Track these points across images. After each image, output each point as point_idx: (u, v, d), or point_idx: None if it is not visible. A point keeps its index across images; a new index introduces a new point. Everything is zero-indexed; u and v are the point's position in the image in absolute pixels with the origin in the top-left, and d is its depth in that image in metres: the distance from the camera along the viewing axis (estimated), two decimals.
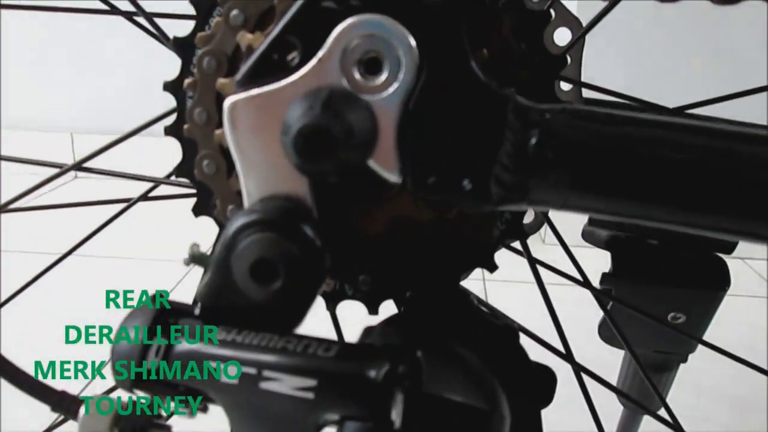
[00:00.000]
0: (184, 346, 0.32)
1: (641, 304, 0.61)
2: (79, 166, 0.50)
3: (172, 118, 0.42)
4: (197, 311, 0.33)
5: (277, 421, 0.31)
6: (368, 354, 0.30)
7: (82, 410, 0.37)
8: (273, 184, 0.33)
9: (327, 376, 0.29)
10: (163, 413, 0.37)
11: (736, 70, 1.50)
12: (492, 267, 0.43)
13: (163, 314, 0.33)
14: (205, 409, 0.36)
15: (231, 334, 0.32)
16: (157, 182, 0.48)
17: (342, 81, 0.31)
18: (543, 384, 0.38)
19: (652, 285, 0.61)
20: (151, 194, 0.52)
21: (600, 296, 0.56)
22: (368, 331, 0.33)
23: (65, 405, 0.37)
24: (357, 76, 0.31)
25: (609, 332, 0.61)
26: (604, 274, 0.62)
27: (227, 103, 0.32)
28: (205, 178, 0.39)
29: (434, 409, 0.29)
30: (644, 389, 0.72)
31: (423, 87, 0.31)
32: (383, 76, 0.30)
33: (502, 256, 0.42)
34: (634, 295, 0.61)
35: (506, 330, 0.35)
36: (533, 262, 0.47)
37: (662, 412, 0.70)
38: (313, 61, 0.31)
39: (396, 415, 0.29)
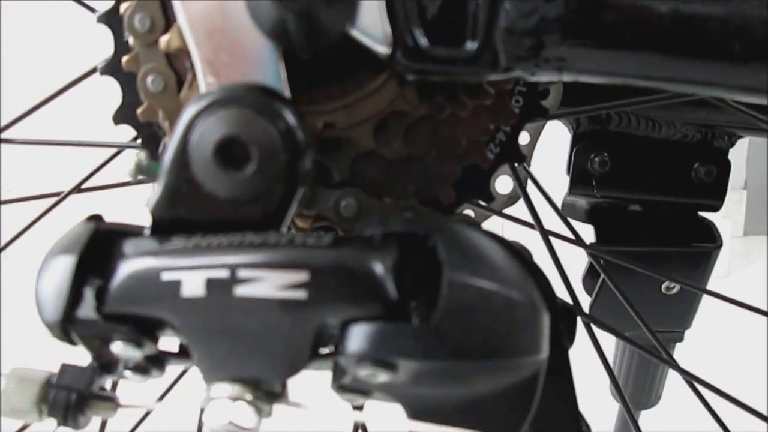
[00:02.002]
0: (131, 266, 0.25)
1: (631, 279, 0.57)
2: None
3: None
4: (147, 229, 0.27)
5: (260, 338, 0.24)
6: (372, 241, 0.24)
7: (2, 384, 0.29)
8: (237, 69, 0.27)
9: (322, 267, 0.23)
10: (105, 382, 0.29)
11: None
12: (488, 197, 0.37)
13: (99, 237, 0.26)
14: (161, 366, 0.28)
15: (192, 240, 0.25)
16: (121, 147, 0.41)
17: None
18: (567, 319, 0.33)
19: (641, 256, 0.58)
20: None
21: (594, 254, 0.52)
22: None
23: None
24: None
25: (590, 285, 0.57)
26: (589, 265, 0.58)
27: None
28: (152, 99, 0.33)
29: (459, 299, 0.23)
30: (641, 381, 0.67)
31: None
32: None
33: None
34: (625, 271, 0.57)
35: (520, 249, 0.30)
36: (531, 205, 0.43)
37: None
38: None
39: (413, 311, 0.23)
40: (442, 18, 0.27)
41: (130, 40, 0.34)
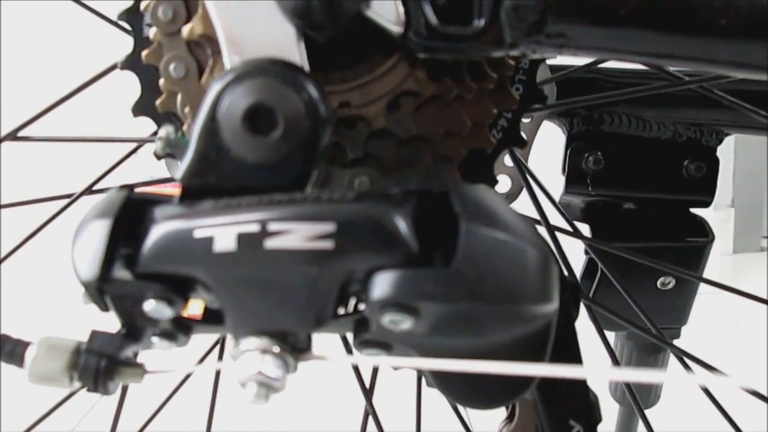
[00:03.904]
0: (163, 227, 0.26)
1: (628, 275, 0.59)
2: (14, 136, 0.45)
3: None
4: (177, 197, 0.28)
5: (289, 288, 0.25)
6: (392, 196, 0.26)
7: (30, 353, 0.30)
8: (261, 48, 0.29)
9: (347, 217, 0.24)
10: (133, 351, 0.30)
11: None
12: (492, 180, 0.39)
13: (132, 204, 0.28)
14: (188, 332, 0.29)
15: (222, 201, 0.26)
16: (142, 142, 0.43)
17: None
18: (572, 292, 0.34)
19: (636, 252, 0.59)
20: None
21: (593, 245, 0.53)
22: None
23: (7, 350, 0.30)
24: None
25: (588, 286, 0.58)
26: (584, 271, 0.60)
27: None
28: (174, 85, 0.34)
29: (476, 246, 0.24)
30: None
31: None
32: None
33: None
34: (619, 268, 0.58)
35: (528, 218, 0.31)
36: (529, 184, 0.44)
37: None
38: None
39: (433, 258, 0.25)
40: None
41: (152, 33, 0.36)
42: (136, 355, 0.31)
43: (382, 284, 0.24)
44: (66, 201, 0.51)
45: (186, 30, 0.34)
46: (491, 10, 0.29)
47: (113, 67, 0.42)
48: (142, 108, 0.39)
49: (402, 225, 0.24)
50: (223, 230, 0.25)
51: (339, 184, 0.35)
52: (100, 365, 0.29)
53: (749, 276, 1.70)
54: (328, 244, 0.24)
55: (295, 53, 0.29)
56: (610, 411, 0.70)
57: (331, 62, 0.33)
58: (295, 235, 0.24)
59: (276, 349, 0.26)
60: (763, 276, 1.63)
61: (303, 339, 0.27)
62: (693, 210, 0.60)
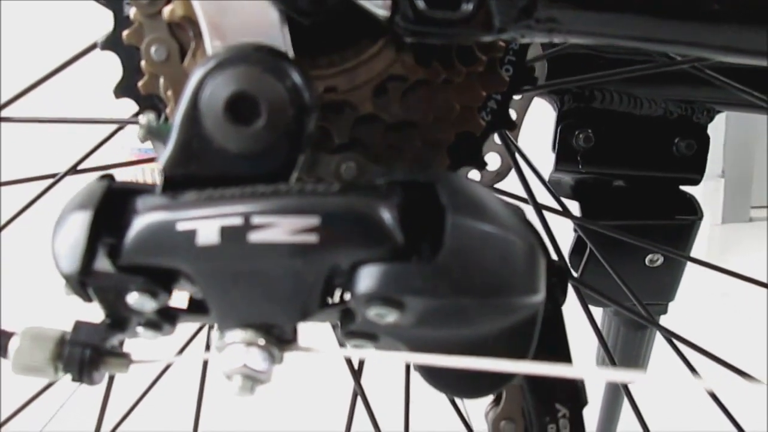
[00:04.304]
0: (145, 219, 0.26)
1: (616, 253, 0.59)
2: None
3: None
4: (159, 187, 0.28)
5: (274, 282, 0.25)
6: (378, 187, 0.25)
7: (14, 344, 0.30)
8: (243, 33, 0.28)
9: (332, 211, 0.24)
10: (118, 340, 0.30)
11: None
12: (481, 164, 0.39)
13: (112, 194, 0.27)
14: (173, 321, 0.29)
15: (205, 193, 0.26)
16: (123, 123, 0.42)
17: None
18: (559, 276, 0.34)
19: (626, 230, 0.59)
20: None
21: (582, 224, 0.53)
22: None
23: None
24: None
25: (577, 262, 0.58)
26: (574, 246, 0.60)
27: None
28: (156, 68, 0.34)
29: (462, 239, 0.24)
30: (627, 352, 0.69)
31: None
32: None
33: None
34: (608, 246, 0.58)
35: (515, 208, 0.31)
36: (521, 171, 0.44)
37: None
38: None
39: (419, 251, 0.24)
40: None
41: (132, 13, 0.35)
42: (121, 343, 0.31)
43: (368, 278, 0.24)
44: (50, 181, 0.51)
45: (167, 12, 0.33)
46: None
47: (93, 47, 0.41)
48: (124, 89, 0.38)
49: (387, 218, 0.24)
50: (206, 223, 0.25)
51: (326, 169, 0.34)
52: (84, 356, 0.29)
53: (737, 246, 1.71)
54: (312, 238, 0.24)
55: (279, 38, 0.29)
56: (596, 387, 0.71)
57: (317, 46, 0.32)
58: (279, 228, 0.24)
59: (261, 341, 0.26)
60: (750, 246, 1.64)
61: (289, 330, 0.27)
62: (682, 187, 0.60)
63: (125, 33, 0.36)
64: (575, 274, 0.60)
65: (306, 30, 0.30)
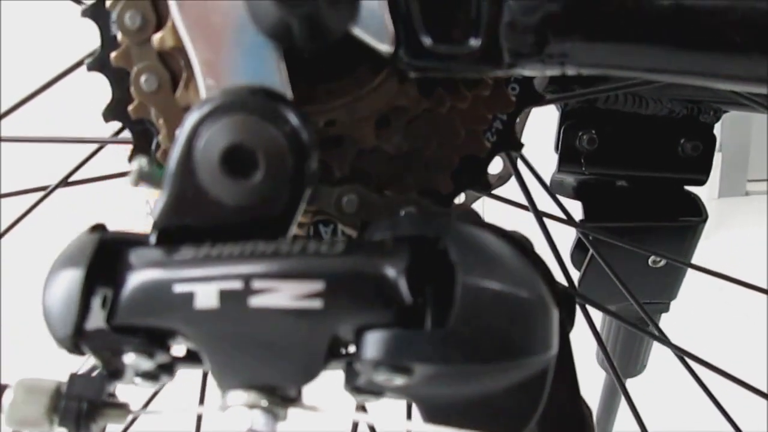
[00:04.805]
0: (140, 277, 0.25)
1: (619, 254, 0.58)
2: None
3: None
4: (153, 238, 0.26)
5: (275, 347, 0.24)
6: (384, 246, 0.24)
7: (8, 397, 0.29)
8: (237, 70, 0.27)
9: (337, 274, 0.23)
10: (115, 388, 0.29)
11: None
12: (487, 185, 0.37)
13: (105, 248, 0.26)
14: (171, 371, 0.28)
15: (202, 249, 0.25)
16: (102, 143, 0.40)
17: None
18: (567, 304, 0.33)
19: (627, 231, 0.58)
20: None
21: (586, 232, 0.52)
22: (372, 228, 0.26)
23: None
24: None
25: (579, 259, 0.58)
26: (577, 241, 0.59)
27: None
28: (146, 98, 0.32)
29: (474, 302, 0.23)
30: (627, 350, 0.69)
31: None
32: None
33: None
34: (613, 245, 0.57)
35: (523, 240, 0.30)
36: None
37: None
38: None
39: (428, 315, 0.23)
40: (444, 15, 0.26)
41: (120, 37, 0.33)
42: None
43: (375, 344, 0.23)
44: (40, 194, 0.49)
45: (156, 40, 0.31)
46: (488, 29, 0.26)
47: (80, 64, 0.39)
48: (114, 113, 0.36)
49: (394, 281, 0.23)
50: (204, 286, 0.23)
51: (326, 202, 0.33)
52: (81, 409, 0.28)
53: (734, 220, 1.71)
54: (316, 303, 0.23)
55: (276, 77, 0.27)
56: (597, 378, 0.71)
57: (316, 76, 0.30)
58: (281, 293, 0.23)
59: (264, 403, 0.25)
60: (746, 221, 1.64)
61: (293, 390, 0.26)
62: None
63: (113, 55, 0.34)
64: (578, 273, 0.59)
65: (304, 61, 0.28)
